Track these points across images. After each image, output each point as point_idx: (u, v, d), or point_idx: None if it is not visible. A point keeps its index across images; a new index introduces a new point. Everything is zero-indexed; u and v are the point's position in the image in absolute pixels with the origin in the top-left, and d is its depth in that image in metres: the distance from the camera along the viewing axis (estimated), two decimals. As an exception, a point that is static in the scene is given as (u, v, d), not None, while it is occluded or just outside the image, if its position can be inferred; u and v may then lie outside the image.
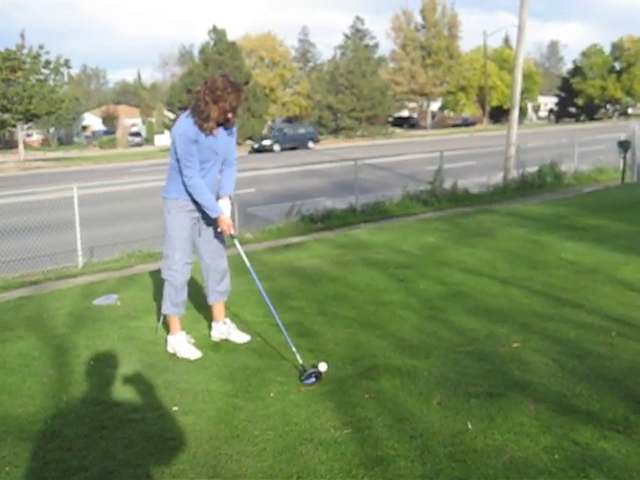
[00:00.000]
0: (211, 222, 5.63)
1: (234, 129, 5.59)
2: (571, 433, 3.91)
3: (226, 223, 5.52)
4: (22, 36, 50.22)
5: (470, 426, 4.06)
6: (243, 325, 6.27)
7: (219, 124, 5.34)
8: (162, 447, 4.03)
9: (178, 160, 5.34)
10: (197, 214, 5.60)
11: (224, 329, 5.96)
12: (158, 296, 5.83)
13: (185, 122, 5.30)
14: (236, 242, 5.70)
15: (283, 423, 4.27)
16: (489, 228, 11.20)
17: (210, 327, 6.11)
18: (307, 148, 56.40)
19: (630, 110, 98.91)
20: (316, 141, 58.39)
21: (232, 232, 5.57)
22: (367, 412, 4.35)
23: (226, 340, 5.93)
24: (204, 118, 5.20)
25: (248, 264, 5.65)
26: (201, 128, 5.25)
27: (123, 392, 4.92)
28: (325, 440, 4.01)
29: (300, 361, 5.12)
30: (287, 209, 14.38)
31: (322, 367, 4.95)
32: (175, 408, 4.58)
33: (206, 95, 5.17)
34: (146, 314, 6.86)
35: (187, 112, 5.37)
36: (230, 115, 5.30)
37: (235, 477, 3.66)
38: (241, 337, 5.93)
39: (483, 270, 8.09)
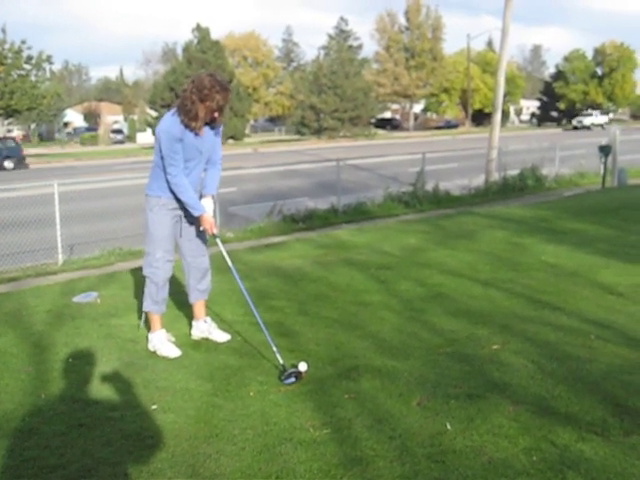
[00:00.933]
0: (193, 220, 5.62)
1: (220, 129, 5.58)
2: (550, 435, 3.93)
3: (208, 222, 5.50)
4: (3, 30, 49.81)
5: (449, 427, 4.07)
6: (224, 324, 6.25)
7: (205, 123, 5.33)
8: (140, 445, 4.01)
9: (162, 158, 5.32)
10: (179, 212, 5.58)
11: (204, 327, 5.95)
12: (138, 294, 5.82)
13: (170, 120, 5.28)
14: (218, 241, 5.69)
15: (262, 422, 4.26)
16: (470, 230, 11.24)
17: (190, 325, 6.09)
18: (2, 169, 39.64)
19: (611, 115, 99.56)
20: (19, 160, 41.39)
21: (214, 231, 5.56)
22: (347, 412, 4.35)
23: (206, 339, 5.91)
24: (191, 117, 5.18)
25: (230, 263, 5.64)
26: (188, 127, 5.23)
27: (102, 390, 4.89)
28: (304, 440, 4.00)
29: (280, 361, 5.11)
30: (269, 209, 14.37)
31: (302, 367, 4.95)
32: (154, 407, 4.56)
33: (193, 94, 5.14)
34: (126, 312, 6.83)
35: (172, 110, 5.35)
36: (217, 114, 5.28)
37: (214, 476, 3.65)
38: (221, 336, 5.91)
39: (464, 272, 8.12)
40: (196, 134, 5.29)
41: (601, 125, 79.03)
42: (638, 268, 7.98)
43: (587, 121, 79.86)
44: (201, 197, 5.57)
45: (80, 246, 11.73)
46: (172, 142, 5.22)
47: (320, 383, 4.85)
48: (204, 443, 4.02)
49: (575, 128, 77.84)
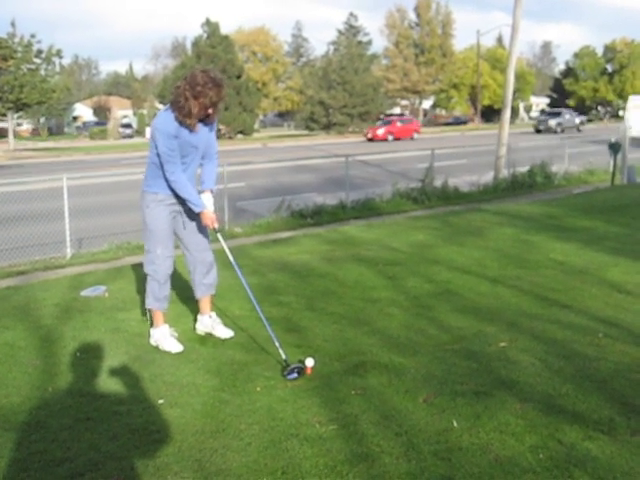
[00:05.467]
0: (194, 215, 5.61)
1: (214, 124, 5.57)
2: (556, 433, 3.92)
3: (209, 217, 5.50)
4: (13, 24, 50.03)
5: (456, 424, 4.07)
6: (231, 319, 6.26)
7: (199, 120, 5.32)
8: (147, 440, 4.02)
9: (158, 155, 5.31)
10: (178, 207, 5.57)
11: (208, 323, 5.95)
12: (145, 288, 5.82)
13: (165, 116, 5.27)
14: (219, 236, 5.68)
15: (269, 418, 4.27)
16: (479, 227, 11.22)
17: (196, 320, 6.09)
18: None
19: (621, 112, 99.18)
20: None
21: (215, 226, 5.55)
22: (353, 408, 4.35)
23: (211, 334, 5.92)
24: (185, 114, 5.17)
25: (231, 259, 5.64)
26: (182, 124, 5.22)
27: (109, 384, 4.90)
28: (310, 436, 4.00)
29: (283, 356, 5.12)
30: (277, 204, 14.37)
31: (309, 363, 4.95)
32: (161, 401, 4.57)
33: (186, 91, 5.14)
34: (134, 306, 6.85)
35: (167, 106, 5.35)
36: (211, 111, 5.28)
37: (220, 471, 3.66)
38: (225, 332, 5.91)
39: (472, 269, 8.11)
40: (191, 130, 5.29)
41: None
42: (647, 266, 7.96)
43: None
44: (199, 192, 5.56)
45: (88, 240, 11.75)
46: (168, 139, 5.21)
47: (327, 379, 4.86)
48: (210, 438, 4.03)
49: None
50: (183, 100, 5.14)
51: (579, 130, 59.94)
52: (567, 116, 61.49)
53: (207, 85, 5.11)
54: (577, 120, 62.52)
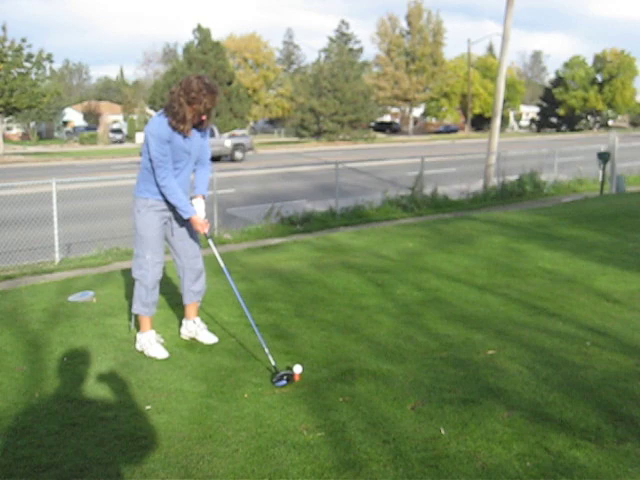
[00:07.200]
0: (185, 221, 5.61)
1: (207, 130, 5.57)
2: (543, 441, 3.92)
3: (199, 223, 5.49)
4: (4, 28, 49.84)
5: (443, 432, 4.07)
6: (220, 325, 6.25)
7: (193, 126, 5.32)
8: (134, 446, 4.00)
9: (151, 160, 5.31)
10: (168, 214, 5.56)
11: (193, 328, 5.94)
12: (134, 294, 5.80)
13: (159, 121, 5.26)
14: (210, 242, 5.68)
15: (256, 424, 4.25)
16: (468, 235, 11.24)
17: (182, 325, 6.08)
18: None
19: (610, 122, 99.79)
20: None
21: (206, 231, 5.55)
22: (341, 415, 4.34)
23: (196, 339, 5.91)
24: (179, 120, 5.17)
25: (222, 264, 5.63)
26: (175, 129, 5.22)
27: (96, 389, 4.88)
28: (298, 443, 4.00)
29: (272, 363, 5.11)
30: (266, 210, 14.37)
31: (297, 369, 4.94)
32: (148, 407, 4.55)
33: (181, 96, 5.14)
34: (122, 312, 6.82)
35: (160, 111, 5.35)
36: (204, 117, 5.28)
37: (206, 478, 3.64)
38: (209, 338, 5.89)
39: (461, 277, 8.11)
40: (184, 136, 5.29)
41: None
42: (634, 275, 7.99)
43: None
44: (192, 198, 5.57)
45: (77, 245, 11.72)
46: (160, 144, 5.20)
47: (315, 386, 4.85)
48: (197, 444, 4.01)
49: None
50: (177, 106, 5.14)
51: (234, 159, 37.75)
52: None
53: (202, 92, 5.11)
54: (228, 143, 37.95)
